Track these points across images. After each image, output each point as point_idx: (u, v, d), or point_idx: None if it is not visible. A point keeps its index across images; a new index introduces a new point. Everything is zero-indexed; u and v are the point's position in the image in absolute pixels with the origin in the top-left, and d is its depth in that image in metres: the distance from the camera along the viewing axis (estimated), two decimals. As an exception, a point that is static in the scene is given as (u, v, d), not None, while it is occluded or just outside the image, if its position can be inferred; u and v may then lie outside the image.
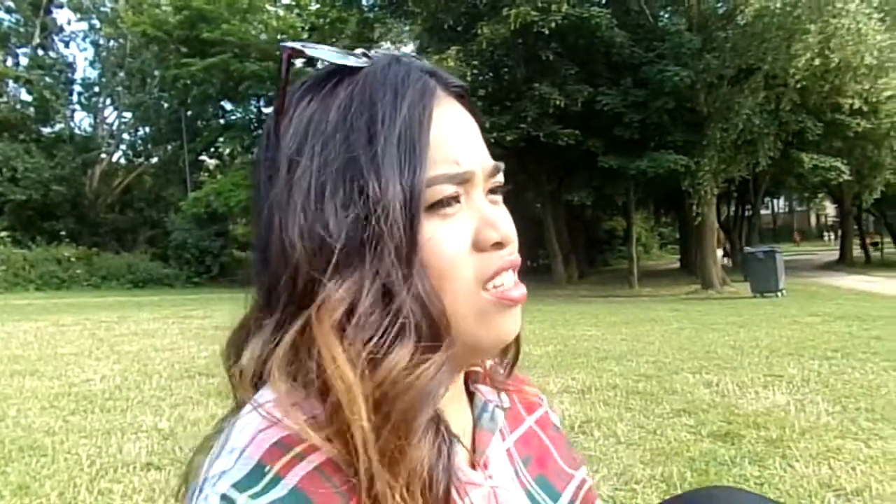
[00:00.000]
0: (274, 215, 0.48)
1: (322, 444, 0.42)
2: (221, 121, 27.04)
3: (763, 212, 33.41)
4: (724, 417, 3.06)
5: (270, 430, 0.42)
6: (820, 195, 29.31)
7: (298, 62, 0.52)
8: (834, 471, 2.28)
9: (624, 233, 22.61)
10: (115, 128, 29.22)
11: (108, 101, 29.10)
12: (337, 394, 0.41)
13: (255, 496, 0.40)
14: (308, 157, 0.47)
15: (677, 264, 24.94)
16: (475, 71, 15.09)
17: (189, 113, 26.24)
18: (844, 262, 24.21)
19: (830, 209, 41.58)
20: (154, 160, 29.33)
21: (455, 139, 0.50)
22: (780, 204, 49.77)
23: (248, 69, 22.82)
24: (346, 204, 0.46)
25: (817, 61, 12.35)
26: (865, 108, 14.50)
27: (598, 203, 18.57)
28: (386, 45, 17.80)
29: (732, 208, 24.27)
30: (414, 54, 0.57)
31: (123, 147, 29.60)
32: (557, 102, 14.22)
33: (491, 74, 16.51)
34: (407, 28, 16.57)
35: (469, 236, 0.49)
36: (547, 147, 15.03)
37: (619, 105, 14.58)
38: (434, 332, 0.45)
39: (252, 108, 26.46)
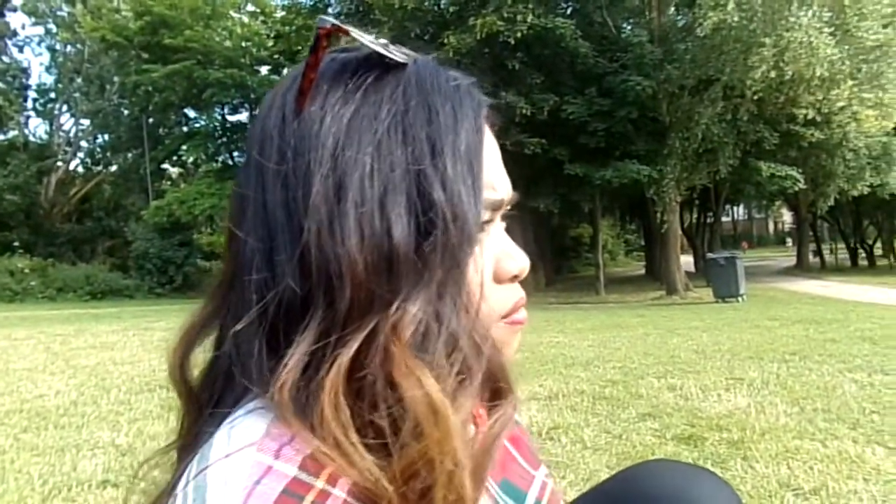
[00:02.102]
0: (312, 219, 0.41)
1: (330, 490, 0.37)
2: (184, 128, 26.53)
3: (724, 219, 34.27)
4: (688, 421, 3.11)
5: (270, 478, 0.36)
6: (777, 203, 30.23)
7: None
8: (792, 470, 2.34)
9: (590, 240, 22.92)
10: (72, 135, 28.44)
11: (65, 107, 28.33)
12: (423, 424, 0.37)
13: None
14: (361, 161, 0.41)
15: (643, 270, 25.37)
16: (442, 80, 15.14)
17: (150, 120, 25.70)
18: (801, 268, 24.97)
19: (787, 216, 42.94)
20: (113, 168, 28.60)
21: (492, 163, 0.47)
22: (741, 211, 51.18)
23: (211, 76, 22.48)
24: (414, 217, 0.41)
25: (773, 73, 12.75)
26: (818, 119, 15.04)
27: (564, 210, 18.79)
28: (352, 53, 17.76)
29: (695, 215, 24.83)
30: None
31: (81, 155, 28.83)
32: (524, 111, 14.38)
33: (457, 83, 16.59)
34: (374, 36, 16.54)
35: (491, 266, 0.46)
36: (513, 155, 15.15)
37: (585, 114, 14.82)
38: (494, 377, 0.43)
39: (216, 115, 26.05)
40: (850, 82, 13.35)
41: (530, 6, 13.94)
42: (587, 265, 26.11)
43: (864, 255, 28.90)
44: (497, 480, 0.56)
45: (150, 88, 23.04)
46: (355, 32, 0.44)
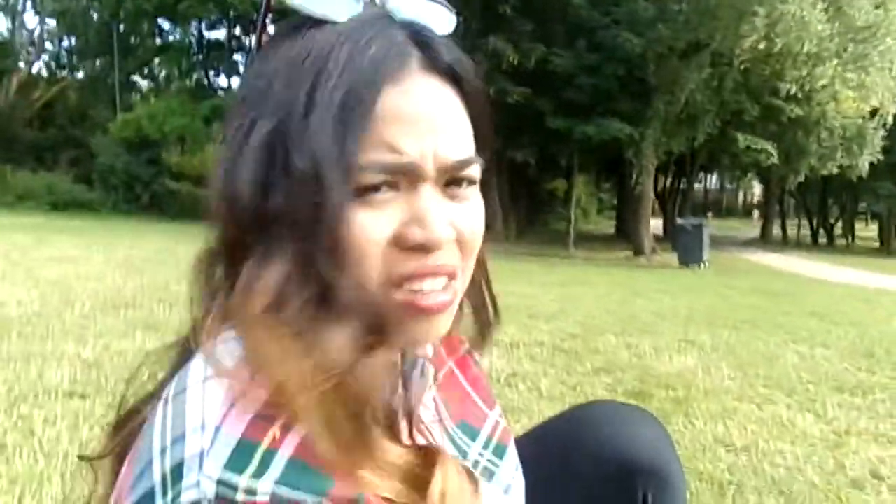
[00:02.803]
0: (216, 158, 0.47)
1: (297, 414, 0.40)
2: (158, 40, 25.38)
3: (696, 186, 34.71)
4: (639, 378, 3.27)
5: (245, 401, 0.40)
6: (749, 175, 30.72)
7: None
8: (728, 429, 2.51)
9: (565, 195, 23.06)
10: (35, 35, 26.93)
11: (29, 4, 26.71)
12: (280, 382, 0.40)
13: (256, 475, 0.38)
14: (246, 108, 0.45)
15: (613, 230, 25.75)
16: (431, 17, 14.72)
17: (121, 27, 24.43)
18: (765, 240, 25.69)
19: (757, 189, 43.73)
20: (80, 75, 27.35)
21: (406, 123, 0.44)
22: (713, 180, 51.84)
23: (189, -14, 21.37)
24: (268, 174, 0.43)
25: (762, 44, 12.75)
26: (800, 95, 15.15)
27: (542, 163, 18.80)
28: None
29: (669, 180, 25.11)
30: (438, 1, 0.51)
31: (45, 58, 27.45)
32: (511, 59, 14.14)
33: (447, 22, 16.16)
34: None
35: (392, 229, 0.45)
36: (496, 103, 14.72)
37: (572, 67, 14.65)
38: (371, 325, 0.43)
39: (193, 30, 24.91)
40: (835, 61, 13.44)
41: (528, -51, 13.51)
42: (559, 219, 26.32)
43: (824, 233, 29.82)
44: (455, 421, 0.60)
45: (121, -7, 21.88)
46: None
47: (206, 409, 0.40)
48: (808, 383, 3.36)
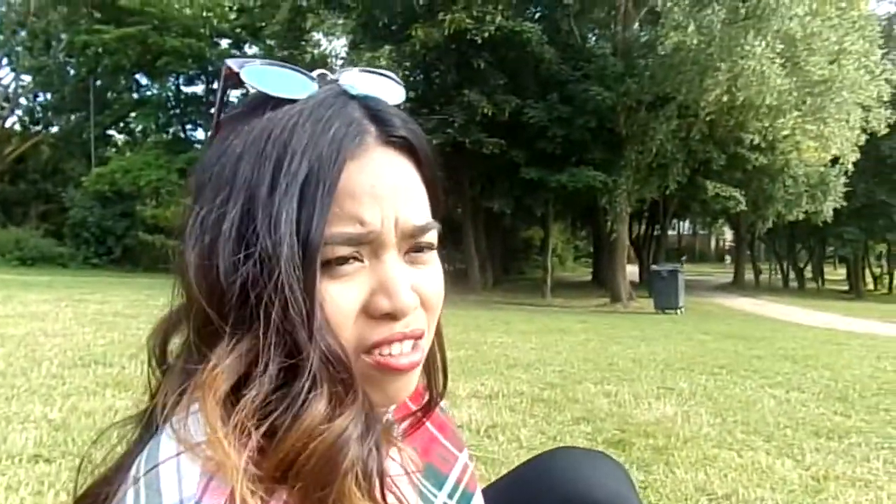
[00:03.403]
0: (182, 238, 0.47)
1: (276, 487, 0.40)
2: (135, 95, 25.54)
3: (670, 232, 35.43)
4: (619, 426, 3.26)
5: (222, 475, 0.39)
6: (720, 221, 31.52)
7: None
8: (709, 477, 2.50)
9: (541, 243, 23.32)
10: (10, 91, 26.91)
11: (5, 60, 26.78)
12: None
13: None
14: (210, 192, 0.46)
15: (589, 277, 26.00)
16: (406, 72, 15.13)
17: (98, 83, 24.57)
18: (737, 285, 26.13)
19: (729, 234, 44.77)
20: (54, 129, 27.21)
21: (367, 196, 0.46)
22: (686, 226, 52.99)
23: (168, 44, 21.69)
24: (237, 255, 0.44)
25: (725, 97, 13.31)
26: (763, 145, 15.78)
27: (517, 212, 19.06)
28: (318, 36, 17.48)
29: (643, 227, 25.60)
30: (386, 75, 0.55)
31: (19, 112, 27.30)
32: (485, 111, 14.52)
33: (422, 77, 16.63)
34: (341, 21, 16.34)
35: (360, 300, 0.46)
36: (472, 154, 15.29)
37: (545, 119, 15.09)
38: (342, 393, 0.44)
39: (170, 85, 25.15)
40: (795, 113, 14.07)
41: (500, 7, 14.09)
42: (536, 268, 26.55)
43: (794, 277, 30.47)
44: (422, 464, 0.59)
45: (100, 50, 22.09)
46: (249, 73, 0.48)
47: (182, 485, 0.39)
48: (785, 428, 3.38)
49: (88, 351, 4.65)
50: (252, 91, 0.49)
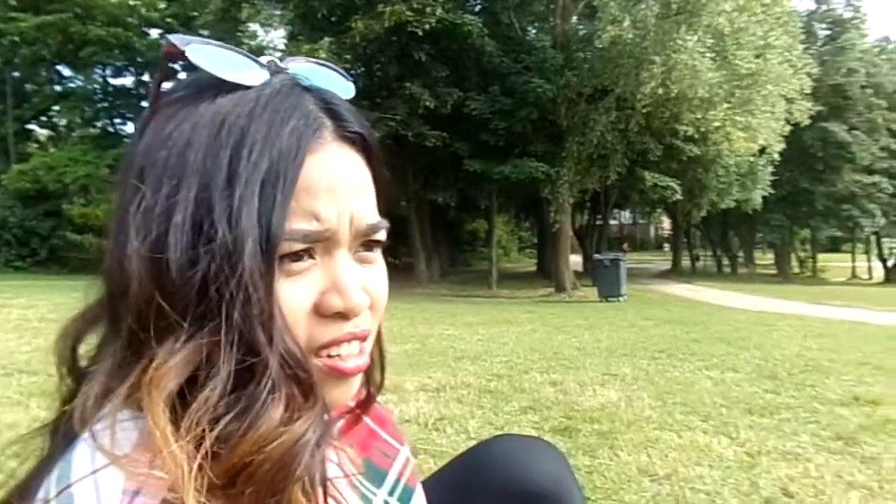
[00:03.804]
0: (114, 232, 0.43)
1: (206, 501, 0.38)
2: (57, 87, 24.12)
3: (612, 222, 36.39)
4: (565, 413, 3.31)
5: (147, 490, 0.37)
6: (658, 210, 32.60)
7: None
8: (651, 458, 2.57)
9: (486, 235, 23.50)
10: (-81, 82, 24.98)
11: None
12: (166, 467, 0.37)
13: None
14: (156, 178, 0.43)
15: (534, 268, 26.42)
16: (347, 64, 14.89)
17: (16, 74, 23.09)
18: (675, 272, 27.12)
19: (667, 223, 46.42)
20: (-31, 124, 25.47)
21: (324, 192, 0.45)
22: (626, 216, 54.56)
23: (91, 33, 20.54)
24: (191, 248, 0.41)
25: (660, 90, 13.72)
26: (697, 136, 16.39)
27: (461, 205, 19.16)
28: (254, 27, 16.98)
29: (585, 217, 26.19)
30: (335, 69, 0.52)
31: (-70, 106, 25.40)
32: (427, 103, 14.48)
33: (363, 69, 16.40)
34: (278, 12, 15.93)
35: (312, 298, 0.45)
36: (415, 147, 15.24)
37: (487, 111, 15.17)
38: (300, 397, 0.42)
39: (97, 77, 23.91)
40: (725, 105, 14.65)
41: (440, 0, 14.04)
42: (481, 259, 26.76)
43: (728, 262, 31.89)
44: (360, 459, 0.58)
45: (17, 39, 20.69)
46: (194, 52, 0.44)
47: (103, 500, 0.36)
48: (721, 407, 3.51)
49: (11, 359, 4.39)
50: (189, 74, 0.46)
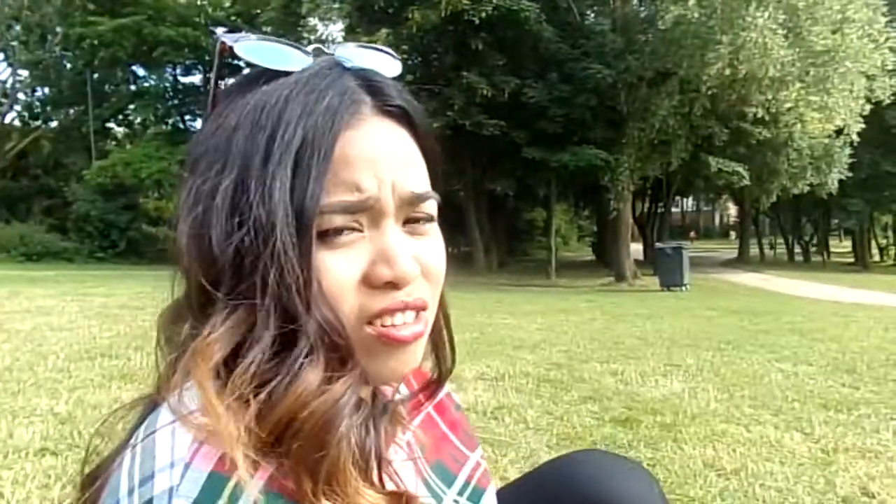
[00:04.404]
0: (175, 218, 0.47)
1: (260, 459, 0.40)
2: (133, 87, 25.39)
3: (674, 210, 35.29)
4: (626, 404, 3.25)
5: (213, 441, 0.40)
6: (724, 196, 31.32)
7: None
8: (717, 452, 2.49)
9: (544, 224, 23.25)
10: (8, 86, 26.78)
11: (1, 56, 26.62)
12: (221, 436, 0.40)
13: None
14: (206, 165, 0.46)
15: (593, 256, 25.96)
16: (404, 55, 14.97)
17: (95, 76, 24.42)
18: (742, 260, 26.05)
19: (733, 210, 44.59)
20: (53, 124, 27.10)
21: (364, 163, 0.46)
22: (689, 203, 52.76)
23: (163, 34, 21.51)
24: (232, 226, 0.44)
25: (727, 71, 13.13)
26: (767, 118, 15.59)
27: (520, 194, 18.98)
28: (314, 21, 17.31)
29: (646, 205, 25.49)
30: (381, 49, 0.54)
31: (18, 108, 27.16)
32: (484, 92, 14.39)
33: (420, 60, 16.48)
34: (336, 5, 16.16)
35: (361, 269, 0.46)
36: (472, 136, 15.19)
37: (545, 99, 14.95)
38: (338, 361, 0.44)
39: (167, 75, 25.00)
40: (798, 84, 13.89)
41: (497, -14, 13.89)
42: (540, 248, 26.50)
43: (800, 250, 30.35)
44: (430, 462, 0.59)
45: (95, 42, 21.85)
46: (243, 46, 0.48)
47: (175, 448, 0.40)
48: (793, 401, 3.36)
49: (94, 344, 4.66)
50: (245, 67, 0.49)
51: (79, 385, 3.34)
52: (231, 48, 0.48)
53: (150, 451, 0.41)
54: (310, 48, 0.49)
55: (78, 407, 2.89)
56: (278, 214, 0.43)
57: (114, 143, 26.22)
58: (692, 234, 46.32)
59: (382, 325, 0.47)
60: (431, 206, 0.50)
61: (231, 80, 0.51)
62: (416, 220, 0.49)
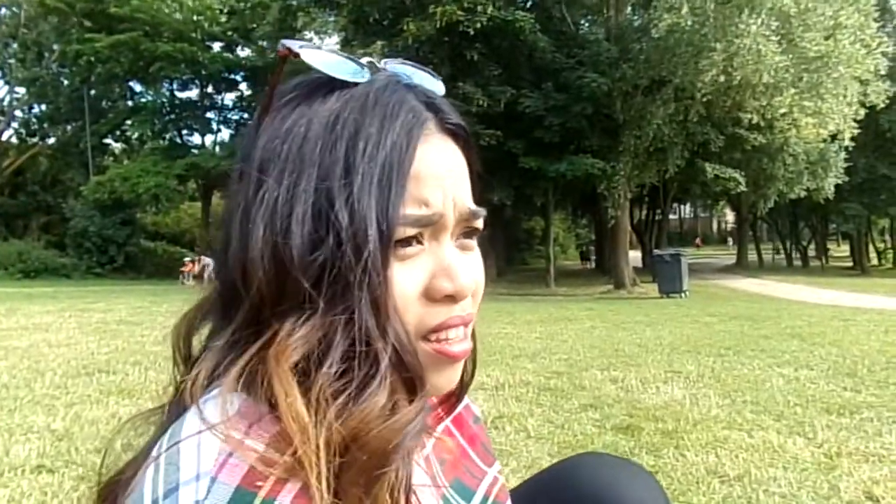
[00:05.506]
0: (239, 223, 0.46)
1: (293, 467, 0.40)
2: (129, 102, 25.49)
3: (671, 217, 35.36)
4: (627, 411, 3.23)
5: (241, 452, 0.39)
6: (721, 203, 31.39)
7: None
8: (720, 458, 2.47)
9: (542, 233, 23.27)
10: (5, 103, 26.85)
11: (-1, 73, 26.73)
12: (290, 435, 0.40)
13: None
14: (279, 171, 0.45)
15: (593, 264, 25.96)
16: (400, 66, 15.05)
17: (92, 92, 24.54)
18: (741, 266, 26.06)
19: (730, 216, 44.65)
20: (51, 141, 27.19)
21: (432, 179, 0.47)
22: (687, 210, 52.85)
23: (160, 49, 21.61)
24: (314, 235, 0.44)
25: (721, 77, 13.21)
26: (762, 124, 15.67)
27: (518, 203, 19.01)
28: (309, 34, 17.41)
29: (644, 212, 25.53)
30: (424, 69, 0.56)
31: (15, 125, 27.24)
32: (480, 102, 14.45)
33: (416, 71, 16.55)
34: (332, 19, 16.27)
35: (422, 282, 0.47)
36: (469, 146, 15.23)
37: (541, 108, 15.01)
38: (409, 381, 0.44)
39: (164, 90, 25.09)
40: (792, 90, 13.96)
41: (491, -2, 13.99)
42: (538, 257, 26.52)
43: (798, 255, 30.38)
44: (449, 479, 0.59)
45: (92, 59, 21.96)
46: (307, 54, 0.48)
47: (201, 460, 0.39)
48: (795, 406, 3.34)
49: (92, 360, 4.64)
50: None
51: (76, 401, 3.32)
52: (296, 54, 0.48)
53: (175, 461, 0.40)
54: (364, 61, 0.50)
55: (75, 423, 2.87)
56: (369, 227, 0.43)
57: (111, 158, 26.30)
58: (698, 240, 46.17)
59: (437, 341, 0.48)
60: (481, 222, 0.52)
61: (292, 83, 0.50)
62: (469, 235, 0.51)
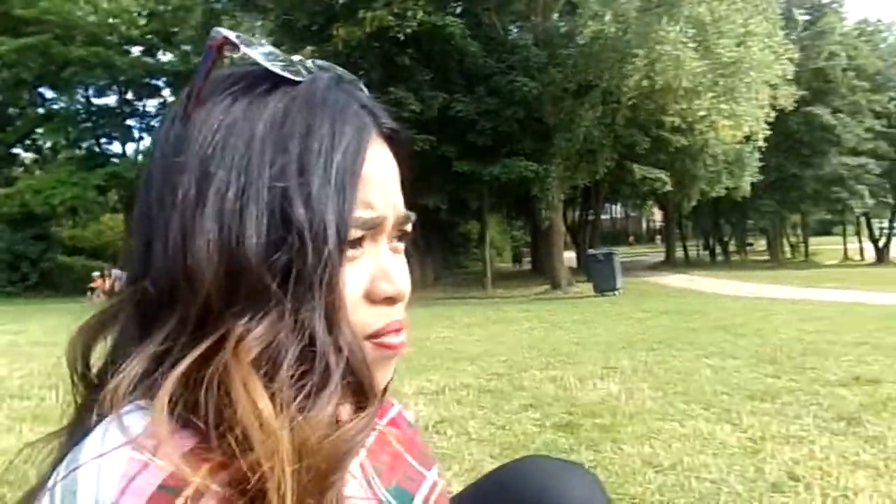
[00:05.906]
0: (176, 222, 0.43)
1: (208, 484, 0.37)
2: (40, 109, 23.93)
3: (603, 217, 36.44)
4: (566, 409, 3.28)
5: (146, 474, 0.37)
6: (649, 202, 32.63)
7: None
8: (654, 449, 2.54)
9: (478, 236, 23.46)
10: None
11: None
12: (252, 440, 0.37)
13: None
14: (227, 169, 0.43)
15: (529, 266, 26.40)
16: (331, 72, 14.87)
17: (-2, 98, 22.94)
18: (670, 262, 27.16)
19: (658, 215, 46.52)
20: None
21: (375, 182, 0.48)
22: (618, 210, 54.65)
23: (73, 54, 20.43)
24: (272, 235, 0.42)
25: (644, 82, 13.74)
26: (683, 126, 16.42)
27: (452, 207, 19.10)
28: (236, 38, 16.95)
29: (577, 213, 26.19)
30: (352, 79, 0.53)
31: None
32: (413, 108, 14.44)
33: (347, 76, 16.39)
34: (259, 23, 15.89)
35: (364, 284, 0.47)
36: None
37: (473, 112, 15.15)
38: (359, 385, 0.44)
39: (79, 97, 23.73)
40: (709, 94, 14.67)
41: (420, 3, 14.02)
42: (475, 261, 26.70)
43: (721, 250, 31.98)
44: (387, 484, 0.56)
45: (-3, 63, 20.56)
46: (245, 47, 0.46)
47: (100, 487, 0.36)
48: (722, 395, 3.49)
49: (2, 385, 4.33)
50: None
51: (-16, 431, 3.07)
52: (234, 44, 0.45)
53: (73, 491, 0.37)
54: (295, 58, 0.49)
55: (-18, 455, 2.64)
56: (328, 227, 0.43)
57: (21, 169, 24.60)
58: (631, 238, 48.54)
59: (377, 337, 0.48)
60: (410, 226, 0.53)
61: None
62: (401, 238, 0.52)
